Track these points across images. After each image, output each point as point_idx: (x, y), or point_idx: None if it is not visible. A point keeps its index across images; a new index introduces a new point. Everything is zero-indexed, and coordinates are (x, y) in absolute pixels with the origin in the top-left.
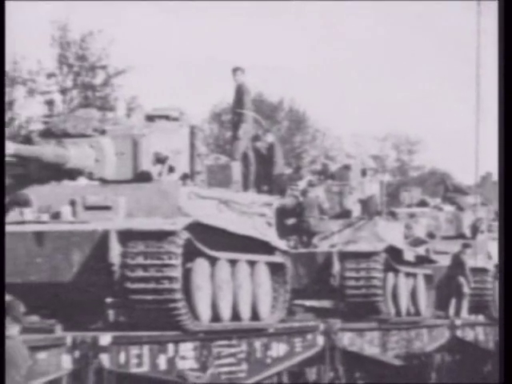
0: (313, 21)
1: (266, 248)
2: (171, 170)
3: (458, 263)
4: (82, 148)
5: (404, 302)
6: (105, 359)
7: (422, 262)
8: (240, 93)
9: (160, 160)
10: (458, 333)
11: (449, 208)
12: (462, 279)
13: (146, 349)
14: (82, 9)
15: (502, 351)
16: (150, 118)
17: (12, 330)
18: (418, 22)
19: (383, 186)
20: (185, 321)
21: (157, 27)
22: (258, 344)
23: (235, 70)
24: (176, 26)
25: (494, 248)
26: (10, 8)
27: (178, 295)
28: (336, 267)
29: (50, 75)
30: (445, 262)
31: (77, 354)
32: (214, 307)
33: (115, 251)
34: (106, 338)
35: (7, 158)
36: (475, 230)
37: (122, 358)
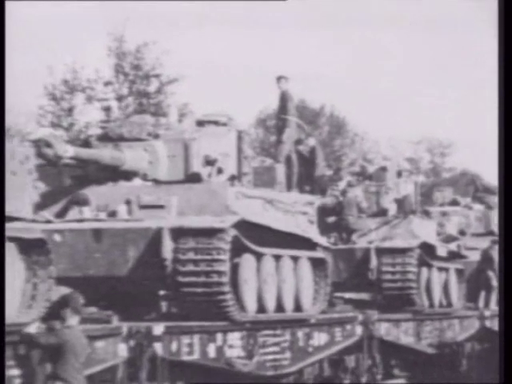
0: (351, 32)
1: (308, 244)
2: (220, 171)
3: (487, 258)
4: (137, 151)
5: (437, 294)
6: (158, 348)
7: (454, 258)
8: (284, 100)
9: (209, 162)
10: (487, 323)
11: (478, 207)
12: (490, 273)
13: (196, 338)
14: (138, 21)
15: (502, 351)
16: (200, 123)
17: (72, 320)
18: (450, 31)
19: (417, 186)
20: (232, 312)
21: (206, 39)
22: (300, 334)
23: (279, 79)
24: (224, 37)
25: None
26: (69, 22)
27: (226, 288)
28: (373, 262)
29: (107, 83)
30: (475, 257)
31: (132, 342)
32: (260, 299)
33: (168, 247)
34: (159, 328)
35: (68, 161)
36: None
37: (174, 346)
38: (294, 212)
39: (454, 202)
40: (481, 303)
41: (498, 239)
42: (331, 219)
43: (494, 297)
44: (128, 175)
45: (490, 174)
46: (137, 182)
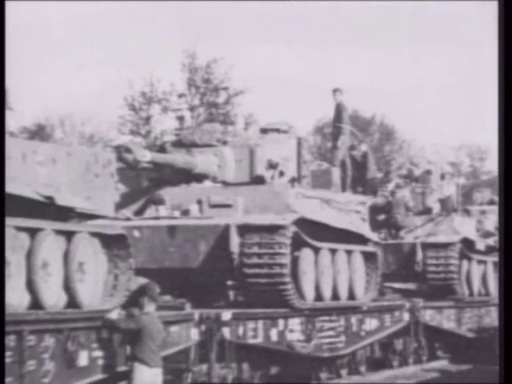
0: (398, 49)
1: (360, 239)
2: (281, 174)
3: None
4: (207, 156)
5: (476, 284)
6: (226, 332)
7: (491, 251)
8: (339, 110)
9: (272, 166)
10: None
11: None
12: None
13: (260, 323)
14: (208, 39)
15: (502, 351)
16: (264, 131)
17: (149, 307)
18: (489, 42)
19: (458, 187)
20: (293, 300)
21: (269, 55)
22: (353, 319)
23: (335, 91)
24: (285, 53)
25: None
26: (146, 40)
27: (287, 279)
28: (419, 255)
29: (181, 95)
30: None
31: (203, 327)
32: (317, 289)
33: (235, 242)
34: (227, 314)
35: (145, 165)
36: None
37: (241, 330)
38: (347, 210)
39: (492, 202)
40: None
41: (499, 238)
42: (381, 217)
43: None
44: (199, 177)
45: None
46: (207, 183)
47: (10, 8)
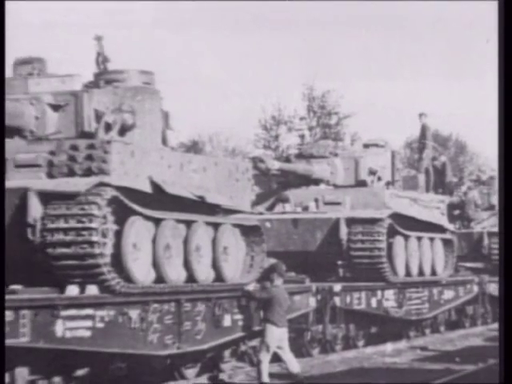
0: (469, 80)
1: (440, 229)
2: (379, 179)
3: None
4: (322, 165)
5: None
6: (337, 300)
7: None
8: (424, 129)
9: (372, 172)
10: None
11: None
12: None
13: (363, 294)
14: (323, 75)
15: (501, 351)
16: (366, 146)
17: (277, 281)
18: None
19: None
20: (388, 276)
21: (370, 86)
22: (435, 291)
23: (420, 115)
24: (382, 85)
25: None
26: (270, 74)
27: (384, 259)
28: (485, 242)
29: (302, 118)
30: None
31: (319, 297)
32: (407, 267)
33: (343, 231)
34: (337, 287)
35: (275, 172)
36: None
37: (348, 299)
38: (430, 207)
39: None
40: None
41: (499, 239)
42: (456, 212)
43: None
44: (316, 181)
45: None
46: (322, 186)
47: (165, 45)
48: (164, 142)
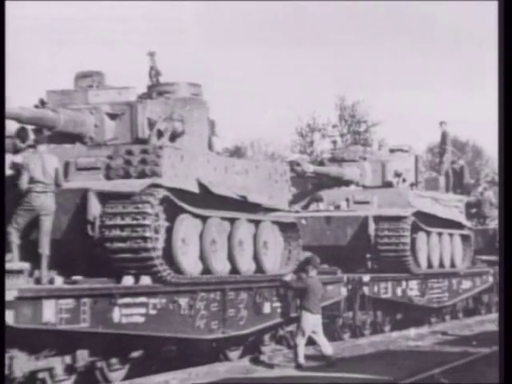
0: (485, 91)
1: (458, 226)
2: (404, 180)
3: None
4: (353, 168)
5: None
6: (366, 289)
7: None
8: (444, 136)
9: (397, 175)
10: None
11: None
12: None
13: (389, 283)
14: (354, 87)
15: (501, 351)
16: (392, 151)
17: (312, 272)
18: None
19: None
20: (411, 267)
21: (396, 97)
22: (454, 281)
23: (441, 123)
24: (408, 96)
25: None
26: (305, 89)
27: (408, 253)
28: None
29: (334, 126)
30: None
31: (349, 286)
32: (429, 260)
33: (372, 227)
34: (366, 277)
35: (310, 174)
36: None
37: (376, 288)
38: (450, 206)
39: None
40: None
41: (499, 239)
42: (473, 210)
43: None
44: (347, 183)
45: None
46: (352, 187)
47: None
48: (210, 147)
